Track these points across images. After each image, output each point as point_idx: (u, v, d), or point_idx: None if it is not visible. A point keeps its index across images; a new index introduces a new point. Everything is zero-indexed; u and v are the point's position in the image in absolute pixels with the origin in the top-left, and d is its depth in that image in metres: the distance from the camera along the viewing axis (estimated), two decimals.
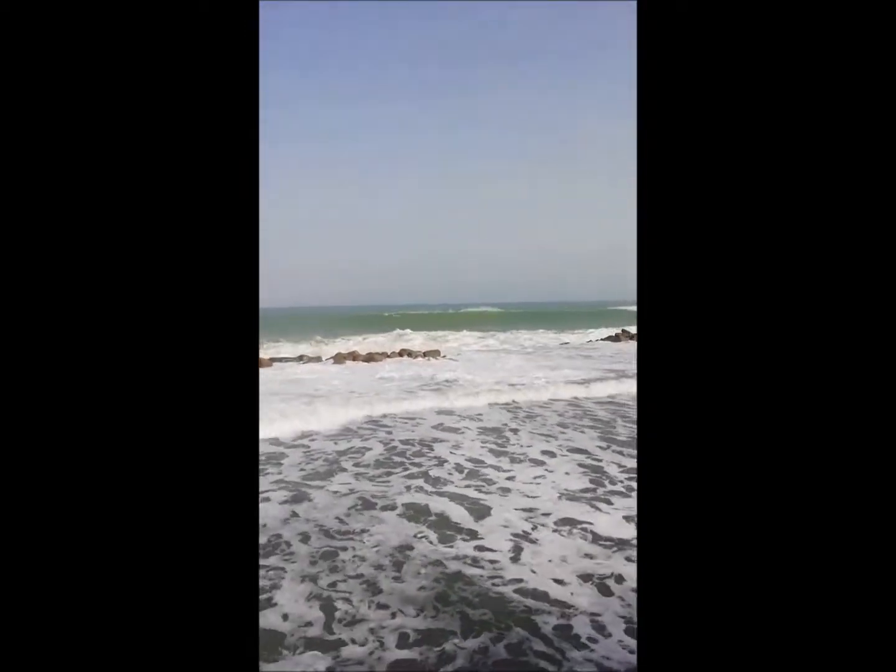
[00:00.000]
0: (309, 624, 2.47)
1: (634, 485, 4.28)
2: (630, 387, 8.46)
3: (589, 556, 3.11)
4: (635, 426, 5.37)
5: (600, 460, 4.95)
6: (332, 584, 2.80)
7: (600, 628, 2.41)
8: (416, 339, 17.53)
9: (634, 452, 5.06)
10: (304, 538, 3.33)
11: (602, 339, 18.32)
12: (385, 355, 13.64)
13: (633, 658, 2.18)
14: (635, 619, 2.44)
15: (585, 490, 4.21)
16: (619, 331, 19.08)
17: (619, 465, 4.78)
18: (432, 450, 5.37)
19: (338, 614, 2.54)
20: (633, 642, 2.30)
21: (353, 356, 13.14)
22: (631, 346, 15.76)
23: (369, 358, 13.09)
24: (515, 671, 2.14)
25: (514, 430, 6.14)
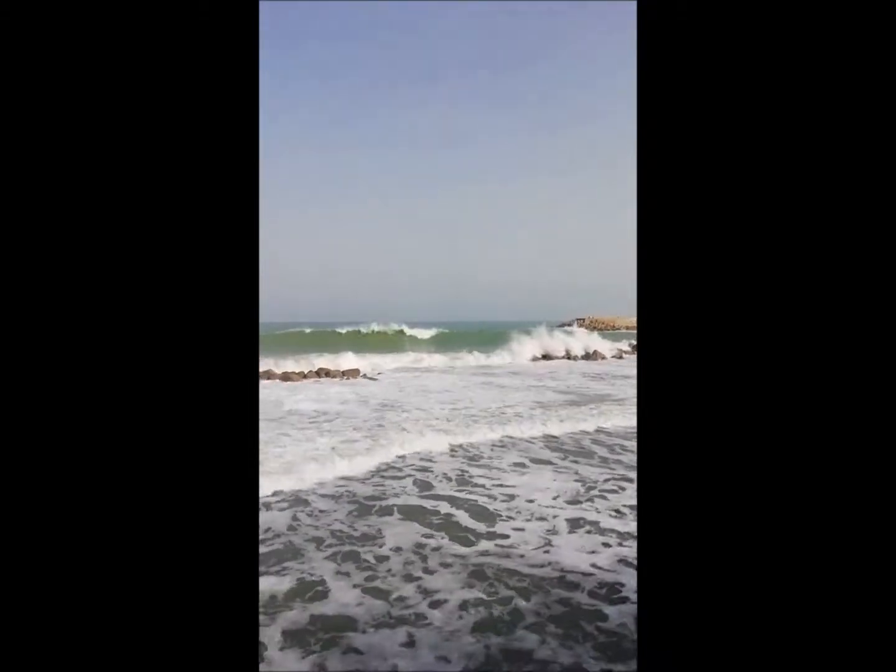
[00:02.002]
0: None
1: None
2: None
3: None
4: None
5: None
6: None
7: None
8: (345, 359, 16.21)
9: None
10: None
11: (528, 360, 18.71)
12: (303, 375, 13.24)
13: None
14: None
15: None
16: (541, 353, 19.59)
17: None
18: None
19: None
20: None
21: (268, 375, 12.67)
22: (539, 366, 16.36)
23: (285, 377, 12.68)
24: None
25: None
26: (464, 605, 2.65)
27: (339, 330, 23.55)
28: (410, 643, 2.34)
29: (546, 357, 19.02)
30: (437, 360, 18.09)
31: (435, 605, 2.66)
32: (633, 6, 1.26)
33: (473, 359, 18.54)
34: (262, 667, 2.17)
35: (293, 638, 2.37)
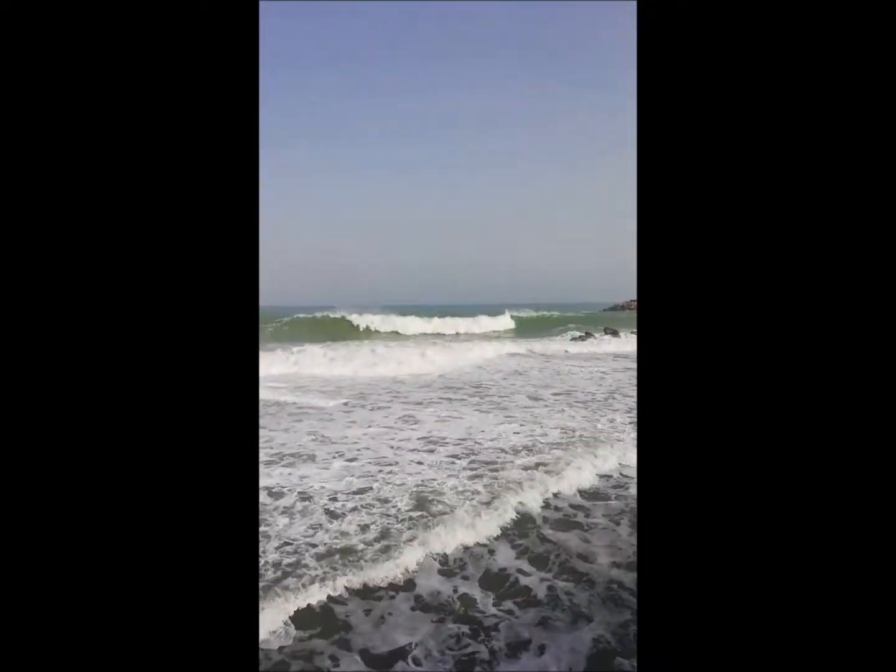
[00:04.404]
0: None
1: None
2: None
3: None
4: None
5: None
6: None
7: None
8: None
9: None
10: None
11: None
12: None
13: None
14: None
15: None
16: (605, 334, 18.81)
17: None
18: None
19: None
20: None
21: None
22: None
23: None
24: None
25: None
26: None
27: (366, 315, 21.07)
28: (586, 539, 3.20)
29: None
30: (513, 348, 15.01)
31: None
32: (633, 6, 1.26)
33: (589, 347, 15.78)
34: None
35: (504, 533, 3.29)
